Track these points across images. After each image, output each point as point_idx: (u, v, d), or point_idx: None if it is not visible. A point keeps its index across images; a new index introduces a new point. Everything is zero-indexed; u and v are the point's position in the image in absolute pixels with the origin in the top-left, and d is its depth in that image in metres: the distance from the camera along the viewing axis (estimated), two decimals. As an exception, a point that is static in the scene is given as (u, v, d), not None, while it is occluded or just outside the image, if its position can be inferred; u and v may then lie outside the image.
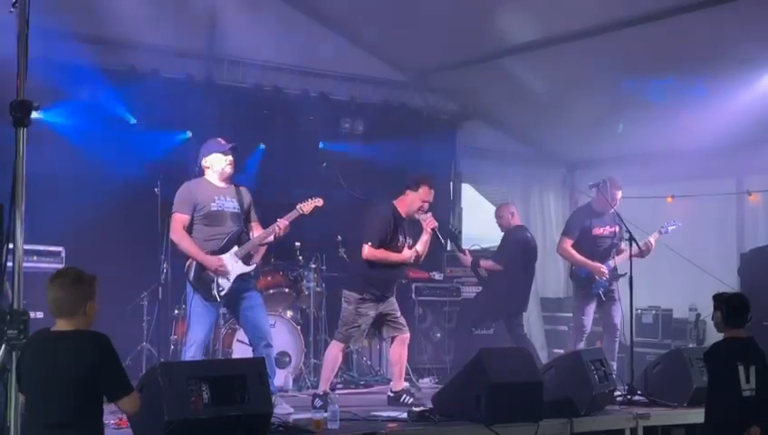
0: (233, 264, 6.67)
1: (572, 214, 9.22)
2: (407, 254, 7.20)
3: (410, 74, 10.93)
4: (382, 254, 7.09)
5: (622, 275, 8.39)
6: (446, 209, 11.20)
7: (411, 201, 7.19)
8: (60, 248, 7.74)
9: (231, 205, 6.74)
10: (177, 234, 6.66)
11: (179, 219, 6.66)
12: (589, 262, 8.55)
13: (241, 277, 6.71)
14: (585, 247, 8.62)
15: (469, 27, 9.13)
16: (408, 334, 7.41)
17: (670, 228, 8.57)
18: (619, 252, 8.53)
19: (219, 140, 6.85)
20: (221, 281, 6.63)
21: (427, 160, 10.53)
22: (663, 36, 8.39)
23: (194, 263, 6.64)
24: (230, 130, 7.74)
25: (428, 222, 7.16)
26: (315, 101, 10.07)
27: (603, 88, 9.59)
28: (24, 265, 4.05)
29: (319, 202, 6.96)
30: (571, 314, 9.25)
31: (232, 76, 9.72)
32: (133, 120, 8.83)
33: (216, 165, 6.75)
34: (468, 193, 11.83)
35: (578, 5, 8.37)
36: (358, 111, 10.40)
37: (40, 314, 6.75)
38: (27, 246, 4.40)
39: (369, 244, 7.06)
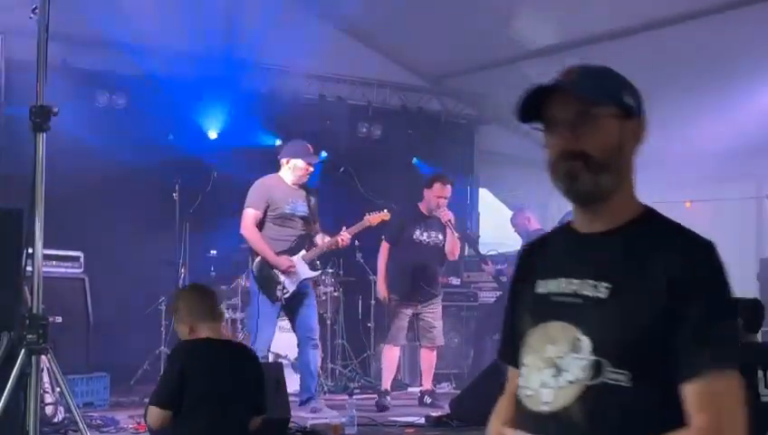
0: (301, 267, 6.73)
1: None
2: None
3: (428, 79, 10.92)
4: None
5: None
6: (464, 214, 11.16)
7: (428, 199, 7.54)
8: (79, 253, 7.76)
9: (302, 208, 6.79)
10: (249, 230, 6.66)
11: (252, 215, 6.67)
12: None
13: (305, 281, 6.79)
14: None
15: (487, 31, 9.11)
16: (434, 346, 7.58)
17: None
18: None
19: (308, 146, 6.91)
20: (287, 283, 6.65)
21: (445, 165, 10.48)
22: (681, 39, 8.34)
23: (260, 261, 6.66)
24: (249, 133, 7.75)
25: (444, 214, 7.48)
26: (332, 105, 10.07)
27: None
28: (43, 269, 4.07)
29: (386, 216, 7.16)
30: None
31: (248, 81, 9.71)
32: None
33: (297, 170, 6.80)
34: (485, 198, 11.79)
35: (595, 10, 8.34)
36: (375, 115, 10.39)
37: (59, 319, 6.84)
38: (46, 251, 4.41)
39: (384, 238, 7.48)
